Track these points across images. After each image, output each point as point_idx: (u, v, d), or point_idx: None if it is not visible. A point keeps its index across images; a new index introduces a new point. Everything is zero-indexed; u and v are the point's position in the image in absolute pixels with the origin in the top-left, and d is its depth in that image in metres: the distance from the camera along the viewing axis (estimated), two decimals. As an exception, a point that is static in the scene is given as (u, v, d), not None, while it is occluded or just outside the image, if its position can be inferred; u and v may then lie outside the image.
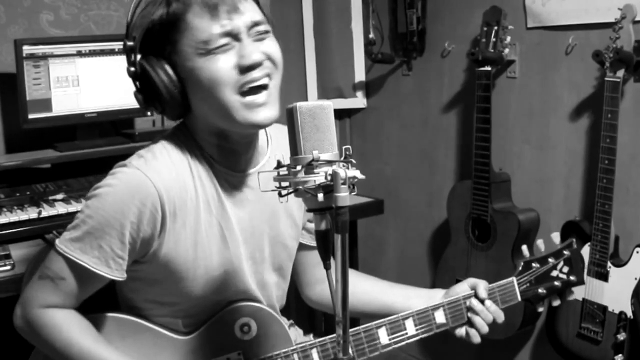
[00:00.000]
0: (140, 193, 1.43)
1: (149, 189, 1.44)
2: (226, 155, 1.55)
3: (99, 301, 1.59)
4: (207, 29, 1.41)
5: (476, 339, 1.71)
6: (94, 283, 1.51)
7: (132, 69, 1.46)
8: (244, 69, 1.42)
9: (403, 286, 1.86)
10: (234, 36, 1.42)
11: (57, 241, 1.49)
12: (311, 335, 1.88)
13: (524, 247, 1.81)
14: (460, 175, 3.30)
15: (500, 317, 1.72)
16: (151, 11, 1.45)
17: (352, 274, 1.87)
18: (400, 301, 1.76)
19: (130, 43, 1.45)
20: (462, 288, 1.75)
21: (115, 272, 1.48)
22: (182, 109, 1.49)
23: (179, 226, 1.49)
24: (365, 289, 1.84)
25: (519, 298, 1.76)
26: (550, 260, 1.79)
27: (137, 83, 1.48)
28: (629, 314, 2.48)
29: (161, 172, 1.46)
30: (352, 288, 1.70)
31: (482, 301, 1.71)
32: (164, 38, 1.45)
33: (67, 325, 1.51)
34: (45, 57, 2.66)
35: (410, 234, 3.63)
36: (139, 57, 1.46)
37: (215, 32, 1.41)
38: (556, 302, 1.81)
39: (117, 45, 2.82)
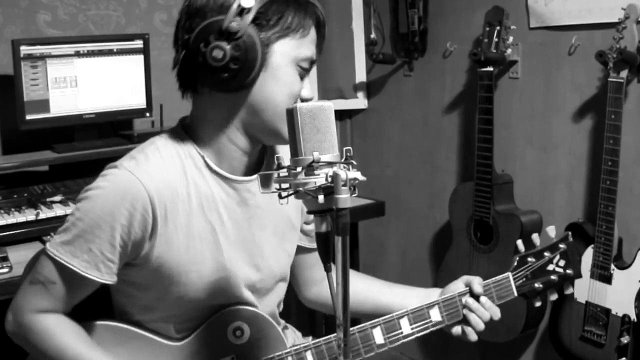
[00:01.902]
0: (131, 195, 1.42)
1: (140, 191, 1.42)
2: (228, 159, 1.53)
3: (91, 308, 1.58)
4: (311, 50, 1.48)
5: (473, 336, 1.69)
6: (84, 287, 1.50)
7: (239, 24, 1.38)
8: (303, 100, 1.49)
9: (400, 286, 1.86)
10: (311, 65, 1.50)
11: (47, 245, 1.47)
12: (310, 338, 1.87)
13: (519, 242, 1.80)
14: (462, 176, 3.29)
15: (496, 314, 1.70)
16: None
17: (351, 274, 1.85)
18: (397, 301, 1.76)
19: (251, 6, 1.40)
20: (457, 286, 1.74)
21: (105, 275, 1.46)
22: (238, 88, 1.45)
23: (171, 230, 1.47)
24: (362, 288, 1.83)
25: (515, 293, 1.76)
26: (546, 254, 1.78)
27: (229, 43, 1.40)
28: (633, 316, 2.47)
29: (152, 174, 1.44)
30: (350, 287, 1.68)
31: (477, 298, 1.70)
32: (282, 26, 1.44)
33: (61, 330, 1.50)
34: (43, 57, 2.66)
35: (412, 236, 3.62)
36: (248, 21, 1.40)
37: (312, 55, 1.49)
38: (554, 297, 1.81)
39: (116, 45, 2.82)
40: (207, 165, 1.52)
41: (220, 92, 1.45)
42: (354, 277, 1.87)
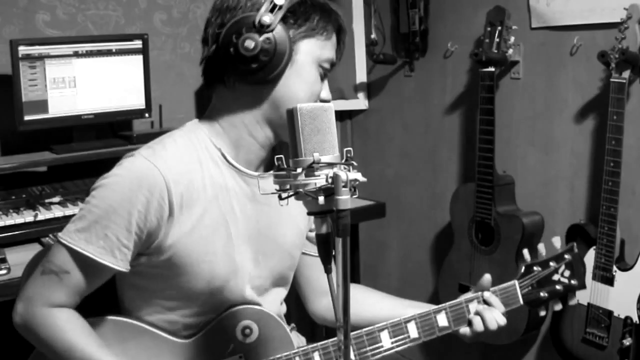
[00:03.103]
0: (148, 181, 1.44)
1: (157, 177, 1.44)
2: (245, 152, 1.56)
3: (98, 304, 1.58)
4: (332, 52, 1.56)
5: (479, 326, 1.71)
6: (99, 275, 1.50)
7: (271, 18, 1.46)
8: (321, 101, 1.56)
9: (410, 301, 1.86)
10: (331, 68, 1.57)
11: (59, 234, 1.48)
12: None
13: (525, 251, 1.82)
14: (463, 177, 3.27)
15: (502, 321, 1.73)
16: (307, 2, 1.52)
17: (361, 288, 1.89)
18: (409, 313, 1.74)
19: (283, 2, 1.47)
20: (465, 296, 1.77)
21: (120, 262, 1.47)
22: (264, 81, 1.51)
23: (185, 218, 1.49)
24: (375, 301, 1.84)
25: (521, 301, 1.78)
26: (552, 264, 1.80)
27: (260, 36, 1.47)
28: (635, 318, 2.46)
29: (169, 163, 1.47)
30: (362, 300, 1.73)
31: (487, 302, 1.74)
32: (309, 25, 1.51)
33: (71, 327, 1.49)
34: (41, 57, 2.65)
35: (413, 237, 3.60)
36: (279, 17, 1.47)
37: (333, 58, 1.57)
38: (558, 307, 1.82)
39: (115, 45, 2.82)
40: (224, 157, 1.54)
41: (246, 84, 1.51)
42: (364, 291, 1.89)
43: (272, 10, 1.46)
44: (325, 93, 1.57)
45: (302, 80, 1.52)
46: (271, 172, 1.58)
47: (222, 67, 1.51)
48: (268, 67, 1.47)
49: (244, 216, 1.57)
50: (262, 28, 1.45)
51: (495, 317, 1.70)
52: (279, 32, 1.46)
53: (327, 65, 1.55)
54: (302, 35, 1.50)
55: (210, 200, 1.51)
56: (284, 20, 1.47)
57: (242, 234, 1.57)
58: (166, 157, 1.47)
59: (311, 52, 1.52)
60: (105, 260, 1.45)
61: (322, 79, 1.56)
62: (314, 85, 1.53)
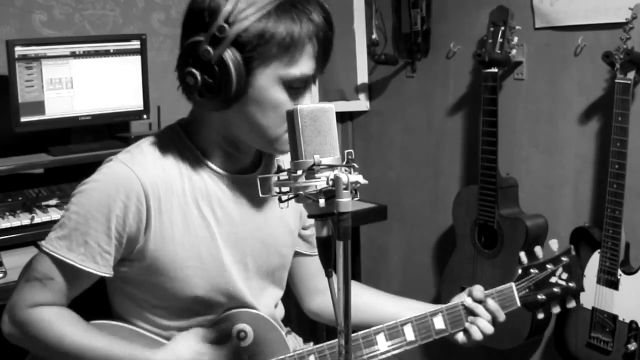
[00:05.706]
0: (125, 186, 1.43)
1: (134, 182, 1.44)
2: (224, 156, 1.55)
3: (90, 309, 1.57)
4: (305, 67, 1.41)
5: (477, 335, 1.71)
6: (82, 281, 1.50)
7: (211, 52, 1.35)
8: None
9: (406, 299, 1.86)
10: (309, 81, 1.44)
11: (42, 242, 1.49)
12: (311, 344, 1.86)
13: (522, 254, 1.83)
14: (466, 180, 3.26)
15: (501, 316, 1.73)
16: (270, 15, 1.36)
17: (355, 286, 1.87)
18: (404, 313, 1.74)
19: (225, 34, 1.35)
20: (461, 297, 1.77)
21: (102, 267, 1.47)
22: (218, 109, 1.43)
23: (166, 223, 1.48)
24: (368, 300, 1.83)
25: (518, 303, 1.78)
26: (549, 266, 1.81)
27: (202, 68, 1.38)
28: (641, 323, 2.46)
29: (146, 167, 1.46)
30: (355, 299, 1.68)
31: (479, 303, 1.73)
32: (266, 49, 1.37)
33: (58, 319, 1.50)
34: (38, 58, 2.63)
35: (415, 240, 3.59)
36: (225, 46, 1.35)
37: (307, 72, 1.41)
38: (556, 310, 1.82)
39: (113, 46, 2.81)
40: (203, 161, 1.53)
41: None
42: (360, 289, 1.89)
43: (217, 39, 1.35)
44: None
45: (264, 106, 1.41)
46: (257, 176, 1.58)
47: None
48: (215, 100, 1.39)
49: (228, 219, 1.56)
50: (203, 63, 1.36)
51: (482, 315, 1.71)
52: (223, 64, 1.35)
53: (298, 84, 1.42)
54: (258, 63, 1.38)
55: (190, 204, 1.50)
56: (236, 44, 1.35)
57: (227, 237, 1.56)
58: (143, 162, 1.47)
59: (272, 75, 1.39)
60: (88, 267, 1.46)
61: (300, 95, 1.43)
62: (282, 108, 1.38)
